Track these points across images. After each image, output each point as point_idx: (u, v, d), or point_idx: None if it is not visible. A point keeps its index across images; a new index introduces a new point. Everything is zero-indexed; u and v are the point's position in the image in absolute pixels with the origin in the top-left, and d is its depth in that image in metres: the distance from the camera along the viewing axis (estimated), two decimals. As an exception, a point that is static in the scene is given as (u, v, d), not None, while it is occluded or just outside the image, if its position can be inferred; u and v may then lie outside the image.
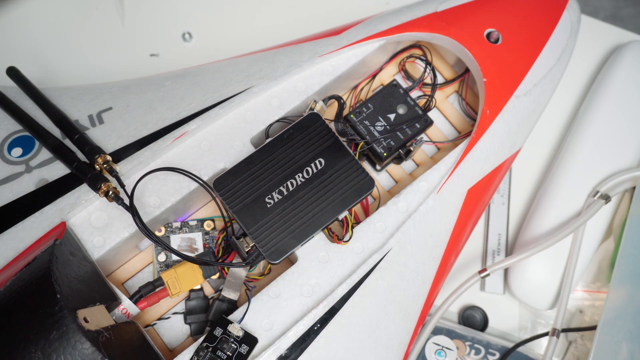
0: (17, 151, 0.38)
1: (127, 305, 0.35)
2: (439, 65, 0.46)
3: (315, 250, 0.37)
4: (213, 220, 0.40)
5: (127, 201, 0.34)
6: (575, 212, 0.48)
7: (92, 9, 0.57)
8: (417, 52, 0.45)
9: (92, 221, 0.36)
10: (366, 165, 0.43)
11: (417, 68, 0.45)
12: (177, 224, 0.39)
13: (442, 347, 0.47)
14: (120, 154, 0.37)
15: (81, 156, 0.37)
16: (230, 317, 0.35)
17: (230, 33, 0.58)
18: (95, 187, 0.35)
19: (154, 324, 0.38)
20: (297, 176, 0.36)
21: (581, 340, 0.49)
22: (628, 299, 0.45)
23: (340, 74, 0.41)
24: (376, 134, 0.41)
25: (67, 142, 0.37)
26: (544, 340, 0.48)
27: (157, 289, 0.37)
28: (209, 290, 0.39)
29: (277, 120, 0.40)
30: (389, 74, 0.45)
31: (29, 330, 0.29)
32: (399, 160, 0.43)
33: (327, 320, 0.35)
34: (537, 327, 0.49)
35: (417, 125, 0.42)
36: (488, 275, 0.44)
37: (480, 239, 0.52)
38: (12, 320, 0.30)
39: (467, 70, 0.45)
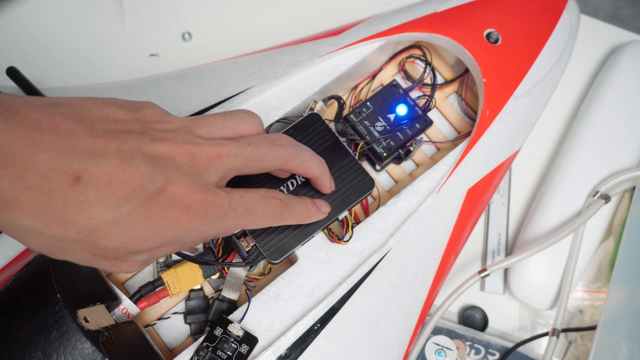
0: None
1: (127, 305, 0.35)
2: (438, 65, 0.46)
3: (315, 250, 0.37)
4: (213, 220, 0.40)
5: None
6: (575, 212, 0.48)
7: (92, 9, 0.57)
8: (417, 52, 0.45)
9: (92, 221, 0.36)
10: (366, 165, 0.43)
11: (417, 68, 0.45)
12: (177, 224, 0.39)
13: (442, 347, 0.47)
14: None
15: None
16: (230, 317, 0.35)
17: (230, 33, 0.58)
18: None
19: (154, 323, 0.38)
20: (297, 176, 0.36)
21: (581, 340, 0.49)
22: (628, 299, 0.45)
23: (340, 74, 0.41)
24: (376, 134, 0.41)
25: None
26: (544, 340, 0.48)
27: (157, 289, 0.37)
28: (209, 290, 0.39)
29: (277, 121, 0.40)
30: (389, 74, 0.45)
31: (29, 330, 0.29)
32: (398, 160, 0.43)
33: (327, 320, 0.35)
34: (537, 327, 0.50)
35: (417, 125, 0.42)
36: (488, 275, 0.44)
37: (480, 239, 0.52)
38: (12, 320, 0.30)
39: (466, 71, 0.45)
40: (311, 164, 0.32)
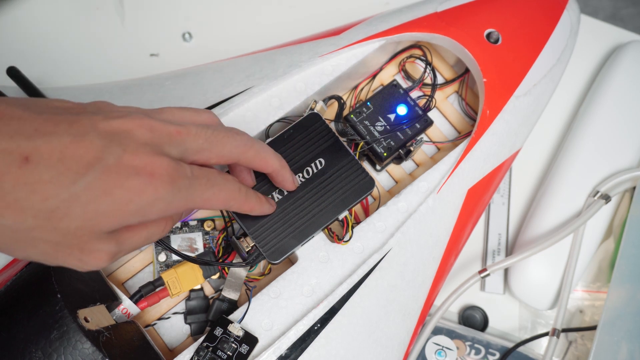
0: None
1: (127, 305, 0.35)
2: (439, 65, 0.46)
3: (315, 250, 0.37)
4: (213, 220, 0.40)
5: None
6: (575, 212, 0.48)
7: (92, 9, 0.57)
8: (417, 52, 0.45)
9: (92, 221, 0.36)
10: (366, 165, 0.43)
11: (417, 68, 0.45)
12: (177, 224, 0.39)
13: (442, 347, 0.47)
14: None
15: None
16: (231, 317, 0.35)
17: (230, 33, 0.58)
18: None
19: (154, 323, 0.38)
20: (297, 176, 0.36)
21: (581, 340, 0.49)
22: (628, 299, 0.45)
23: (340, 74, 0.41)
24: (376, 134, 0.41)
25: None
26: (544, 340, 0.48)
27: (157, 289, 0.37)
28: (209, 290, 0.39)
29: (277, 120, 0.40)
30: (389, 74, 0.45)
31: (29, 330, 0.29)
32: (399, 160, 0.43)
33: (327, 320, 0.35)
34: (537, 327, 0.50)
35: (417, 125, 0.42)
36: (488, 275, 0.44)
37: (480, 239, 0.52)
38: (12, 320, 0.30)
39: (467, 70, 0.45)
40: (268, 155, 0.32)
